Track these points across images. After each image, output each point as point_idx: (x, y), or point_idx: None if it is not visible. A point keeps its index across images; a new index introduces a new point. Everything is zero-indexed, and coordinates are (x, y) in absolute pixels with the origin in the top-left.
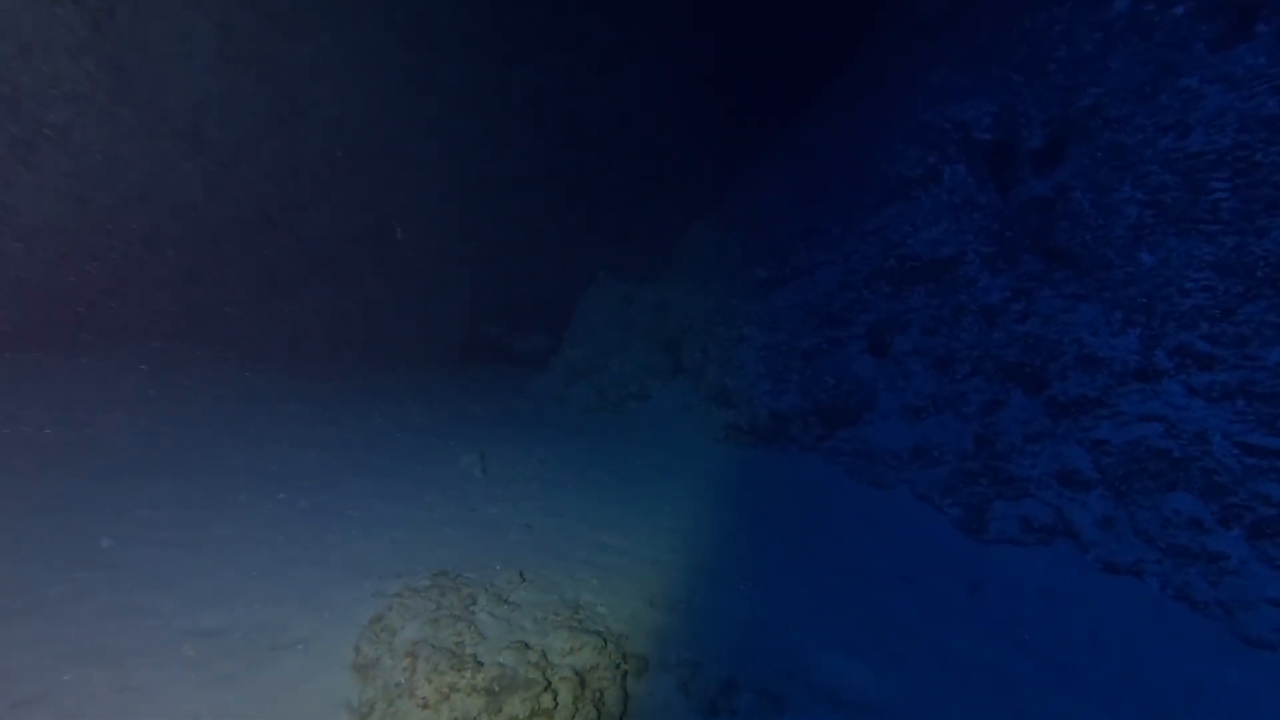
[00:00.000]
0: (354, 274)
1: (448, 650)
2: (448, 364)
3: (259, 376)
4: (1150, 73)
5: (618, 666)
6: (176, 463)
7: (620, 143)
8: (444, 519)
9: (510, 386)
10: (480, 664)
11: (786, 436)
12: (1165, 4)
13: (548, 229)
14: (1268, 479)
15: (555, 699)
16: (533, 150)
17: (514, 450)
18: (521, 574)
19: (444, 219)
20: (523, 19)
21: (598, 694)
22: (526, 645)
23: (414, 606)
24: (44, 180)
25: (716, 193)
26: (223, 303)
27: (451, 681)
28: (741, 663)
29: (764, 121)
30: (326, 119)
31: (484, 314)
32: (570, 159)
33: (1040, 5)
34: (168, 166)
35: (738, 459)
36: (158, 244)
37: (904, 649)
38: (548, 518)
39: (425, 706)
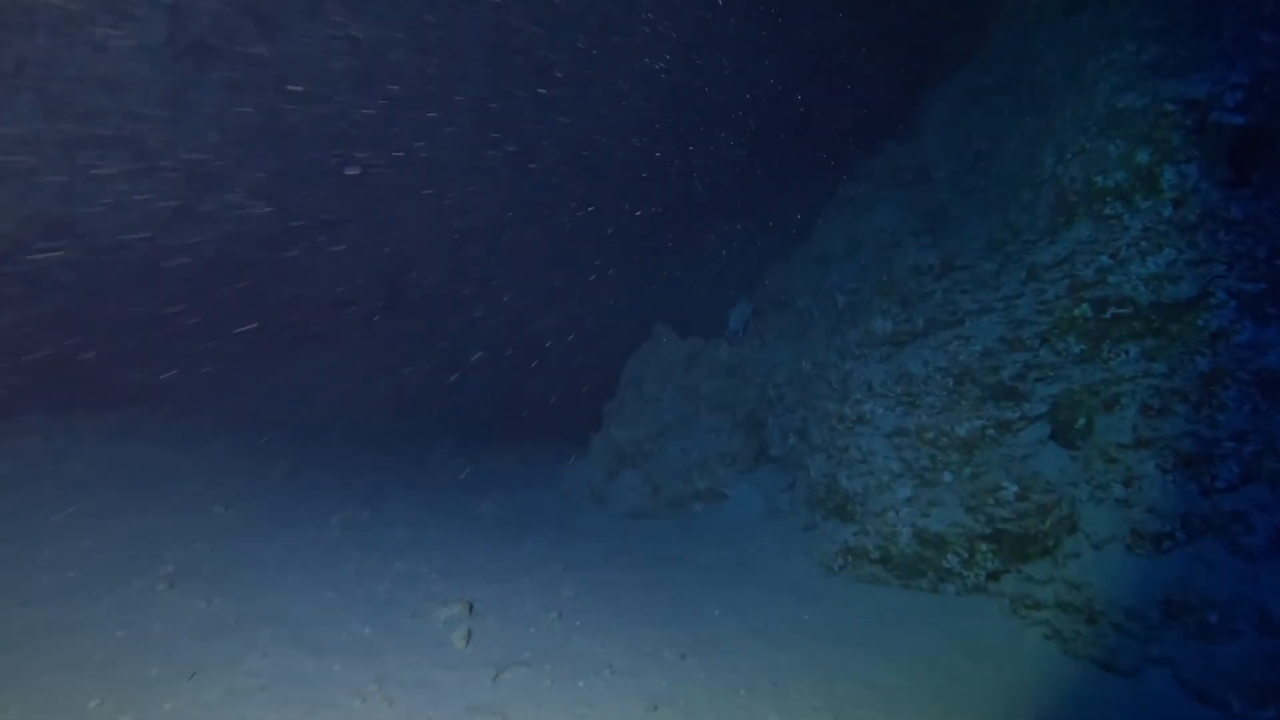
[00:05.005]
0: (357, 327)
1: None
2: (466, 437)
3: (201, 451)
4: None
5: None
6: None
7: (676, 167)
8: None
9: (538, 475)
10: None
11: (940, 570)
12: None
13: (588, 275)
14: None
15: None
16: (570, 179)
17: (524, 590)
18: None
19: (463, 261)
20: (564, 36)
21: None
22: None
23: None
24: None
25: (805, 220)
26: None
27: None
28: None
29: (860, 133)
30: (321, 132)
31: (515, 376)
32: (611, 188)
33: None
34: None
35: (869, 605)
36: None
37: None
38: None
39: None
